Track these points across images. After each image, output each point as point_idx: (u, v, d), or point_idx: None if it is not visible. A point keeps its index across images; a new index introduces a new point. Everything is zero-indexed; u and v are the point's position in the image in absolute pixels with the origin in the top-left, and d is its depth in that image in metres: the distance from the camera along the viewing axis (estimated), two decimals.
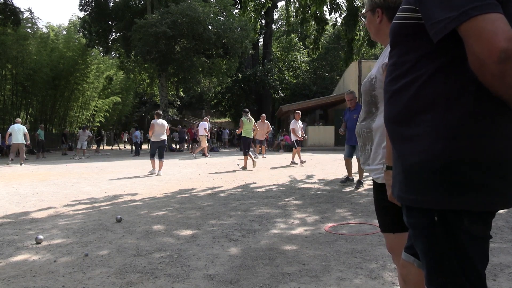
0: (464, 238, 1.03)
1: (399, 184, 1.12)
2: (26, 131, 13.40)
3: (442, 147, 1.00)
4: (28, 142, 13.52)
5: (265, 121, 14.46)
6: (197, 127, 16.53)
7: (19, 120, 13.85)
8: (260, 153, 14.86)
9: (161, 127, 9.44)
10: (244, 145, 10.46)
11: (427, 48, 1.04)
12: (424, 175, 1.03)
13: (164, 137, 9.51)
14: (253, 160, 10.11)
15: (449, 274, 1.05)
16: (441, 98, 1.02)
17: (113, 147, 25.71)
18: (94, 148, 23.14)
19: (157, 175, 9.15)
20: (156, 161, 9.41)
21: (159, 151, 9.42)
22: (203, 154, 15.28)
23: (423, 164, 1.03)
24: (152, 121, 9.52)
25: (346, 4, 10.16)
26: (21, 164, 12.53)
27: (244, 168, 9.99)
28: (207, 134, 15.04)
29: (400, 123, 1.11)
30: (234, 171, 9.64)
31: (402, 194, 1.11)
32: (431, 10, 0.98)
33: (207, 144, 15.36)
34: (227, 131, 27.74)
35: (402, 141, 1.10)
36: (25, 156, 13.39)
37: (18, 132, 12.96)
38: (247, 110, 11.09)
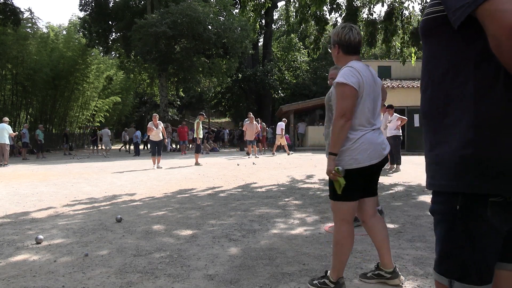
0: (483, 228, 1.06)
1: (431, 173, 1.16)
2: (11, 131, 13.20)
3: (473, 135, 1.04)
4: (10, 143, 13.26)
5: (254, 122, 14.49)
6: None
7: (6, 119, 13.54)
8: (247, 153, 14.86)
9: (157, 128, 11.13)
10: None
11: (454, 41, 1.09)
12: (455, 162, 1.07)
13: (161, 136, 11.21)
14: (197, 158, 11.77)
15: (458, 261, 1.09)
16: (472, 88, 1.06)
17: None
18: (91, 148, 23.23)
19: (158, 168, 10.67)
20: (156, 159, 11.01)
21: (158, 148, 11.06)
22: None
23: (454, 152, 1.07)
24: (149, 124, 11.22)
25: (345, 4, 10.15)
26: (4, 165, 12.39)
27: (197, 164, 11.41)
28: (281, 134, 15.58)
29: (433, 114, 1.16)
30: (234, 171, 9.64)
31: (432, 181, 1.15)
32: (450, 0, 1.04)
33: (285, 143, 16.06)
34: (227, 131, 27.74)
35: (435, 132, 1.15)
36: (8, 156, 13.04)
37: (2, 131, 12.75)
38: (202, 113, 12.60)
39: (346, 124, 2.18)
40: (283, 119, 16.95)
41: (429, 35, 1.18)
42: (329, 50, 2.46)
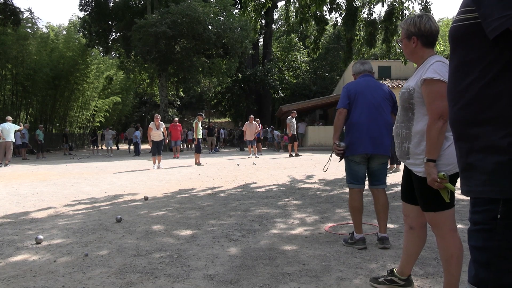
0: None
1: (465, 180, 1.14)
2: (17, 127, 13.26)
3: (509, 141, 1.02)
4: (18, 142, 13.37)
5: (253, 122, 14.50)
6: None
7: (10, 118, 13.49)
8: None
9: (158, 129, 11.28)
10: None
11: (487, 48, 1.07)
12: (491, 168, 1.05)
13: (162, 136, 11.33)
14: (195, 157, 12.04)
15: (497, 273, 1.05)
16: (505, 96, 1.04)
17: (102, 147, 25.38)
18: (91, 148, 23.27)
19: (158, 168, 10.72)
20: (156, 159, 11.11)
21: (158, 148, 11.16)
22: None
23: (490, 159, 1.05)
24: (150, 124, 11.37)
25: (345, 4, 10.15)
26: (5, 165, 12.36)
27: (198, 164, 11.54)
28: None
29: (465, 122, 1.13)
30: (234, 171, 9.64)
31: (469, 188, 1.12)
32: (488, 9, 1.01)
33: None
34: (225, 131, 27.74)
35: (467, 140, 1.13)
36: (11, 156, 13.02)
37: (9, 130, 12.80)
38: (200, 113, 12.82)
39: (444, 126, 1.97)
40: None
41: (461, 43, 1.14)
42: (398, 44, 2.22)
